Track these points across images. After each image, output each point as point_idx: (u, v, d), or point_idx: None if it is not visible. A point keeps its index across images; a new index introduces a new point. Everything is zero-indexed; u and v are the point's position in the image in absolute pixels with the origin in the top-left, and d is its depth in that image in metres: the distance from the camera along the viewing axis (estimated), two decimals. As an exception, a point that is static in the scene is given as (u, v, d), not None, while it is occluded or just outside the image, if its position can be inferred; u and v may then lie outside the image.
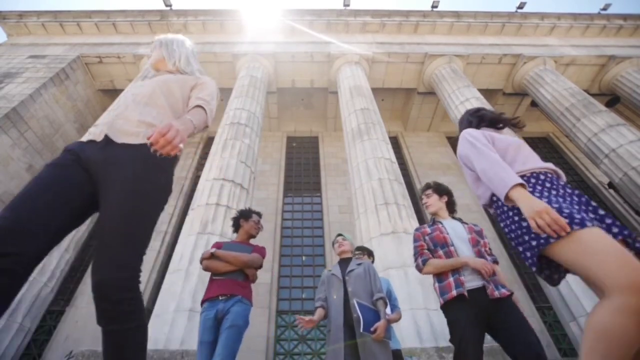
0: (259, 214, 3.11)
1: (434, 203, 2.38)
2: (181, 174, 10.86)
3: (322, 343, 7.05)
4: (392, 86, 11.74)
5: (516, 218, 1.32)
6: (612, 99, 11.89)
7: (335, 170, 10.97)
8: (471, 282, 1.97)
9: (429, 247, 2.19)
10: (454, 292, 1.94)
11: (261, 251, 2.83)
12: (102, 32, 11.77)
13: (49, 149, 9.42)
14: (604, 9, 12.38)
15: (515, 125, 1.84)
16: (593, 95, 11.10)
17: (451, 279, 2.01)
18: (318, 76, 11.32)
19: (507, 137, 1.66)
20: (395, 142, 11.93)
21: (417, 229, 2.36)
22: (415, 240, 2.29)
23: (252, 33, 11.60)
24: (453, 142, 12.32)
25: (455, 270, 2.02)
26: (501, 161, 1.44)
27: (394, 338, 2.84)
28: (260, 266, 2.77)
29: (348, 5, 12.20)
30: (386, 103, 12.52)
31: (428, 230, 2.27)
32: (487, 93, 11.64)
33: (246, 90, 8.98)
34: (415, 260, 2.23)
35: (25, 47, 11.16)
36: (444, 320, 4.62)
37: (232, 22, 11.77)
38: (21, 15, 11.71)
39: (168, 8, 11.89)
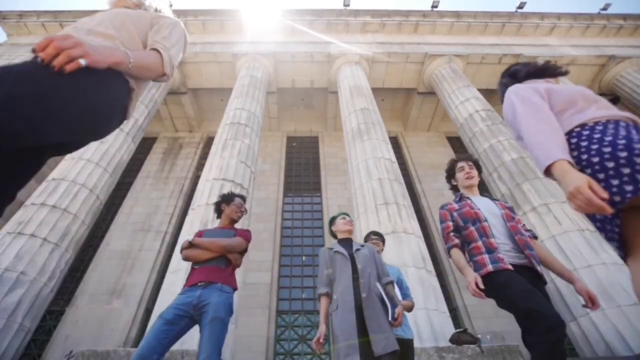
0: (242, 197, 2.94)
1: (475, 176, 2.20)
2: (181, 174, 10.86)
3: (322, 343, 7.05)
4: (392, 86, 11.74)
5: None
6: (612, 99, 11.88)
7: (335, 170, 10.97)
8: (512, 259, 1.80)
9: (458, 225, 2.00)
10: (490, 267, 1.75)
11: (245, 234, 2.67)
12: (102, 32, 11.76)
13: (49, 149, 9.42)
14: (604, 8, 12.37)
15: (560, 73, 1.60)
16: (593, 95, 11.09)
17: (486, 256, 1.82)
18: (318, 76, 11.32)
19: (570, 86, 1.37)
20: (395, 142, 11.93)
21: (443, 206, 2.14)
22: (442, 220, 2.09)
23: (252, 33, 11.60)
24: (453, 141, 12.32)
25: (491, 248, 1.82)
26: (551, 124, 1.19)
27: (408, 327, 2.76)
28: (245, 250, 2.63)
29: (348, 5, 12.20)
30: (386, 103, 12.52)
31: (456, 206, 2.08)
32: (487, 93, 11.63)
33: (246, 90, 8.97)
34: (444, 244, 2.08)
35: (25, 47, 11.15)
36: (444, 321, 4.63)
37: (232, 22, 11.76)
38: (21, 15, 11.71)
39: (168, 8, 11.88)
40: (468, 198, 2.12)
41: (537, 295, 1.60)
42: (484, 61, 11.11)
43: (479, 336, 3.99)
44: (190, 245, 2.51)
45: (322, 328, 2.19)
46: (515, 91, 1.41)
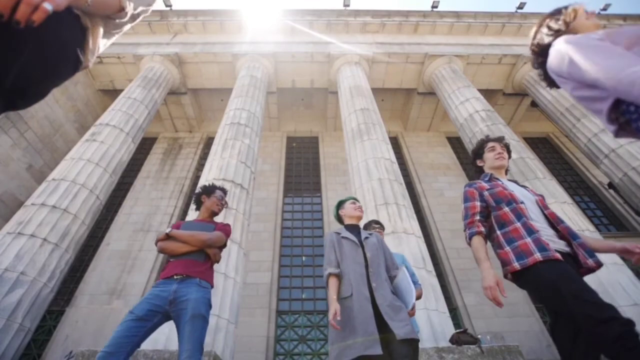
0: (223, 190, 2.84)
1: (507, 158, 2.04)
2: (181, 174, 10.86)
3: (322, 343, 7.05)
4: (392, 86, 11.74)
5: None
6: (612, 99, 11.88)
7: (335, 170, 10.97)
8: (557, 245, 1.57)
9: (489, 205, 1.81)
10: (539, 256, 1.50)
11: (225, 229, 2.55)
12: (102, 32, 11.76)
13: (48, 149, 9.42)
14: (604, 9, 12.38)
15: None
16: (593, 95, 11.09)
17: (528, 239, 1.58)
18: (318, 76, 11.32)
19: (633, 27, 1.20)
20: (395, 142, 11.93)
21: (470, 184, 1.94)
22: (467, 199, 1.86)
23: (252, 33, 11.60)
24: (453, 142, 12.32)
25: (532, 230, 1.61)
26: (623, 52, 0.99)
27: (414, 321, 2.72)
28: (224, 245, 2.53)
29: (348, 6, 12.20)
30: (386, 103, 12.53)
31: (485, 185, 1.90)
32: (487, 93, 11.64)
33: (246, 90, 8.98)
34: (464, 227, 1.84)
35: (25, 47, 11.15)
36: (444, 321, 4.63)
37: (232, 22, 11.77)
38: (21, 15, 11.70)
39: (168, 8, 11.89)
40: (498, 179, 1.95)
41: (596, 294, 1.42)
42: (484, 61, 11.12)
43: (479, 336, 3.99)
44: (167, 237, 2.40)
45: (336, 305, 1.99)
46: (566, 39, 1.16)
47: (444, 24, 12.05)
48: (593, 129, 8.22)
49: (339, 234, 2.39)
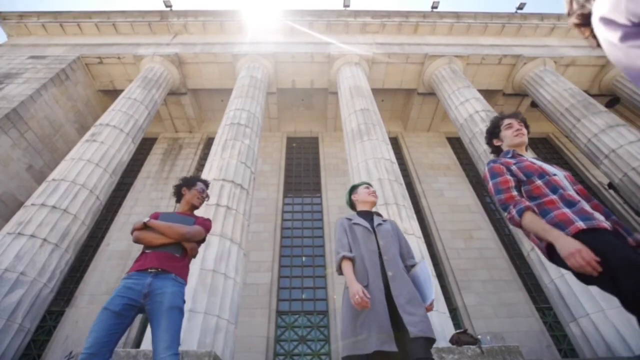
0: (205, 183, 2.74)
1: (526, 134, 1.91)
2: (181, 174, 10.86)
3: (322, 344, 7.05)
4: (392, 87, 11.74)
5: None
6: (612, 100, 11.89)
7: (335, 170, 10.97)
8: (597, 218, 1.39)
9: (519, 179, 1.64)
10: (581, 224, 1.33)
11: (205, 224, 2.45)
12: (102, 32, 11.78)
13: (49, 149, 9.43)
14: (604, 9, 12.38)
15: None
16: (593, 96, 11.10)
17: (566, 210, 1.42)
18: (318, 76, 11.33)
19: None
20: (395, 143, 11.93)
21: (494, 161, 1.77)
22: (495, 174, 1.68)
23: (252, 33, 11.61)
24: (453, 142, 12.33)
25: (572, 201, 1.46)
26: None
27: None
28: (203, 240, 2.44)
29: (348, 6, 12.21)
30: (386, 103, 12.53)
31: (511, 160, 1.74)
32: (487, 93, 11.65)
33: (246, 91, 8.98)
34: (503, 206, 1.60)
35: (25, 47, 11.16)
36: (444, 321, 4.63)
37: (232, 23, 11.78)
38: (21, 15, 11.72)
39: (168, 9, 11.90)
40: (521, 155, 1.80)
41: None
42: (483, 62, 11.12)
43: (479, 337, 3.99)
44: (145, 226, 2.29)
45: (358, 285, 1.83)
46: None
47: (443, 25, 12.05)
48: (593, 129, 8.22)
49: (350, 219, 2.25)
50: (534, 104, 11.67)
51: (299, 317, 7.51)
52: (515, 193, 1.60)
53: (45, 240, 5.51)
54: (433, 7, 12.16)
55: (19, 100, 8.65)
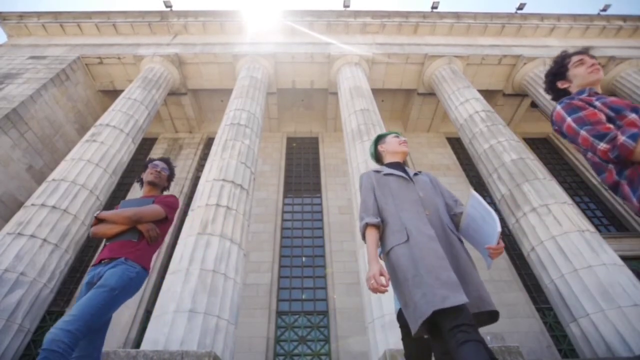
0: (165, 160, 2.61)
1: (601, 70, 1.68)
2: (181, 174, 10.86)
3: (322, 344, 7.05)
4: (392, 87, 11.74)
5: None
6: (612, 100, 11.88)
7: (335, 170, 10.97)
8: None
9: (607, 116, 1.41)
10: None
11: (165, 200, 2.29)
12: (103, 33, 11.78)
13: (49, 149, 9.43)
14: (604, 9, 12.39)
15: None
16: (593, 96, 11.09)
17: None
18: (318, 77, 11.33)
19: None
20: (395, 143, 11.92)
21: (571, 98, 1.51)
22: (576, 108, 1.43)
23: (252, 34, 11.61)
24: (453, 142, 12.33)
25: None
26: None
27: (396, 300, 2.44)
28: (166, 218, 2.27)
29: (348, 6, 12.21)
30: (386, 104, 12.53)
31: (591, 97, 1.50)
32: (487, 94, 11.65)
33: (246, 91, 8.98)
34: (603, 137, 1.29)
35: (25, 47, 11.16)
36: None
37: (232, 23, 11.78)
38: (21, 16, 11.72)
39: (168, 9, 11.90)
40: (599, 93, 1.56)
41: None
42: (483, 62, 11.12)
43: (479, 337, 3.98)
44: (98, 220, 2.17)
45: (378, 265, 1.55)
46: None
47: (443, 25, 12.06)
48: (593, 129, 8.21)
49: (378, 172, 1.92)
50: (534, 104, 11.67)
51: (299, 318, 7.51)
52: (611, 125, 1.32)
53: (45, 240, 5.51)
54: (433, 8, 12.16)
55: (19, 100, 8.65)
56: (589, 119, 1.37)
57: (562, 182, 10.96)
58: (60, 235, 5.72)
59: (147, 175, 2.47)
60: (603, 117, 1.37)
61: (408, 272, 1.46)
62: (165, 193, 2.56)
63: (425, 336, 1.61)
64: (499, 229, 1.45)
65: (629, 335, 4.22)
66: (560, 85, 1.72)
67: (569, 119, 1.44)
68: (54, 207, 5.94)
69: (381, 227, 1.72)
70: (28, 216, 5.70)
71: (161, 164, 2.57)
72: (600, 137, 1.31)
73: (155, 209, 2.20)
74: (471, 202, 1.63)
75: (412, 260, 1.48)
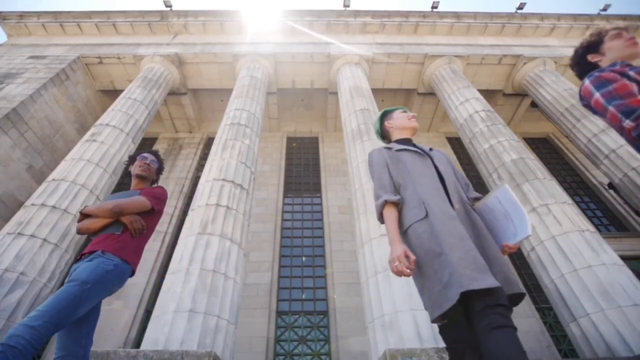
0: (153, 153, 2.56)
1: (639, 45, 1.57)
2: (181, 174, 10.86)
3: (322, 344, 7.05)
4: (392, 87, 11.74)
5: None
6: (612, 100, 11.87)
7: (335, 170, 10.97)
8: None
9: None
10: None
11: (151, 192, 2.25)
12: (103, 32, 11.78)
13: (49, 149, 9.42)
14: (604, 9, 12.38)
15: None
16: (593, 95, 11.08)
17: None
18: (318, 77, 11.32)
19: None
20: (395, 143, 11.91)
21: (600, 70, 1.43)
22: (606, 82, 1.34)
23: (252, 34, 11.61)
24: (453, 142, 12.32)
25: None
26: None
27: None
28: (152, 210, 2.20)
29: (348, 6, 12.21)
30: (386, 104, 12.52)
31: (624, 68, 1.41)
32: (487, 93, 11.64)
33: (246, 91, 8.98)
34: (633, 112, 1.23)
35: (25, 47, 11.16)
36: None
37: (232, 23, 11.77)
38: (21, 15, 11.72)
39: (168, 9, 11.89)
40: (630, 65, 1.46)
41: None
42: (483, 62, 11.12)
43: (479, 337, 3.98)
44: (83, 216, 2.11)
45: (403, 246, 1.40)
46: None
47: (443, 25, 12.05)
48: (593, 129, 8.22)
49: (389, 148, 1.80)
50: (534, 104, 11.67)
51: (299, 317, 7.51)
52: None
53: (45, 240, 5.51)
54: (433, 7, 12.16)
55: (19, 100, 8.65)
56: (618, 93, 1.29)
57: (562, 182, 10.95)
58: (60, 235, 5.73)
59: (135, 168, 2.42)
60: (635, 89, 1.28)
61: (431, 250, 1.34)
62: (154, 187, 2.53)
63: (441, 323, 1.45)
64: (529, 232, 1.38)
65: (629, 335, 4.22)
66: (591, 58, 1.61)
67: (597, 94, 1.36)
68: (54, 207, 5.94)
69: (400, 204, 1.58)
70: (28, 216, 5.70)
71: (150, 157, 2.51)
72: (628, 113, 1.22)
73: (138, 200, 2.13)
74: (497, 194, 1.53)
75: (434, 237, 1.36)
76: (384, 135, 2.05)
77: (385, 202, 1.57)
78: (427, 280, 1.34)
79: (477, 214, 1.55)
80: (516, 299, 1.35)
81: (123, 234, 2.02)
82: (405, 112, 2.02)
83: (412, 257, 1.35)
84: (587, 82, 1.43)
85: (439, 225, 1.38)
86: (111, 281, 1.83)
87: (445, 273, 1.26)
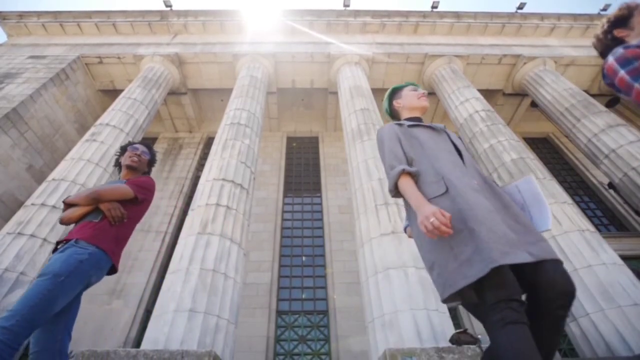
0: (145, 144, 2.49)
1: None
2: (181, 174, 10.86)
3: (322, 343, 7.05)
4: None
5: None
6: (612, 100, 11.89)
7: (335, 170, 10.97)
8: None
9: None
10: None
11: (137, 181, 2.18)
12: (102, 32, 11.77)
13: (49, 149, 9.42)
14: (604, 9, 12.38)
15: None
16: (593, 95, 11.10)
17: None
18: (318, 76, 11.32)
19: None
20: (395, 143, 11.91)
21: (626, 46, 1.34)
22: (633, 59, 1.28)
23: (252, 33, 11.60)
24: (453, 142, 12.31)
25: None
26: None
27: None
28: (136, 198, 2.11)
29: (348, 6, 12.21)
30: (386, 103, 12.52)
31: None
32: (487, 93, 11.64)
33: (246, 91, 8.98)
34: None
35: (25, 47, 11.16)
36: (444, 321, 4.63)
37: (232, 23, 11.77)
38: (21, 15, 11.71)
39: (168, 8, 11.89)
40: None
41: None
42: (483, 62, 11.12)
43: (479, 336, 3.98)
44: (67, 206, 2.04)
45: (433, 207, 1.27)
46: None
47: (443, 24, 12.05)
48: (593, 129, 8.22)
49: (401, 124, 1.70)
50: (534, 104, 11.66)
51: (299, 317, 7.51)
52: None
53: (45, 240, 5.51)
54: (433, 7, 12.15)
55: (19, 100, 8.65)
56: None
57: (562, 182, 10.95)
58: (60, 235, 5.73)
59: (125, 159, 2.34)
60: None
61: (454, 226, 1.23)
62: None
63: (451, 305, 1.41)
64: (549, 226, 1.32)
65: (629, 335, 4.22)
66: (617, 33, 1.51)
67: (622, 72, 1.30)
68: (54, 206, 5.94)
69: (416, 176, 1.48)
70: (28, 216, 5.70)
71: (141, 147, 2.44)
72: None
73: (119, 187, 2.06)
74: (519, 183, 1.46)
75: (457, 212, 1.26)
76: (393, 115, 1.95)
77: (403, 171, 1.46)
78: (440, 256, 1.28)
79: (499, 188, 1.48)
80: (555, 266, 1.23)
81: (101, 221, 1.94)
82: (415, 89, 1.90)
83: (448, 214, 1.22)
84: (610, 59, 1.36)
85: (462, 200, 1.29)
86: (87, 271, 1.74)
87: (465, 250, 1.19)
